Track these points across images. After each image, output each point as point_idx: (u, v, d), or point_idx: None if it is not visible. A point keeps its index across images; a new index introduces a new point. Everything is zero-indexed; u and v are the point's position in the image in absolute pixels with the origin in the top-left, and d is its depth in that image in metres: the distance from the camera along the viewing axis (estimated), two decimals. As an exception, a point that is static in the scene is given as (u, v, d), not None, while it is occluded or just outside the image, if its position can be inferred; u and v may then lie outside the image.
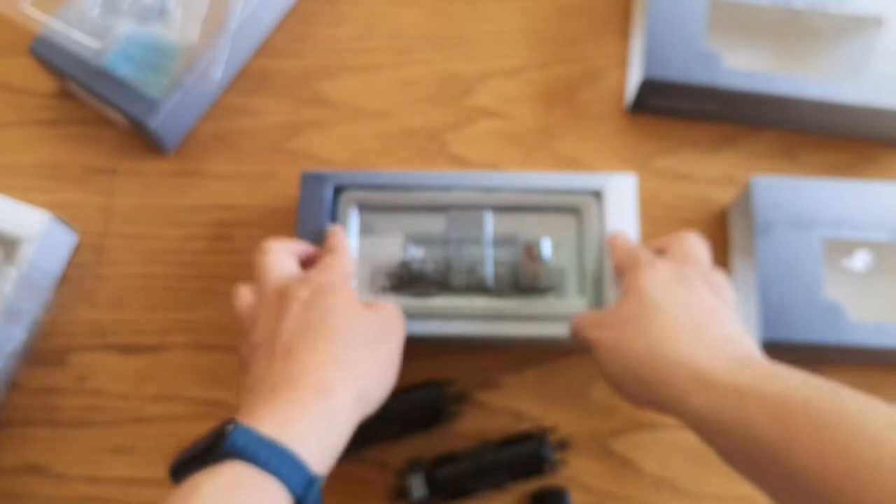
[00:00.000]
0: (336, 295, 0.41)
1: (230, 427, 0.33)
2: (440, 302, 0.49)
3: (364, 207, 0.51)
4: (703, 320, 0.38)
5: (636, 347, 0.38)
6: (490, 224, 0.51)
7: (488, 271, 0.49)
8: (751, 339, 0.39)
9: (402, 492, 0.46)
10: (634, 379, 0.38)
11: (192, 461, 0.33)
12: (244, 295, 0.43)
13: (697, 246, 0.44)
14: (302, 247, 0.46)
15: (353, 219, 0.51)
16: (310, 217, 0.49)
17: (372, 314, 0.42)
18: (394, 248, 0.50)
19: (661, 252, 0.45)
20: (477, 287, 0.49)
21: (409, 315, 0.47)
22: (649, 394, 0.38)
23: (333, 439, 0.36)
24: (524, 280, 0.49)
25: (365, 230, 0.51)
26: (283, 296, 0.41)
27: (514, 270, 0.49)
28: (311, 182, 0.50)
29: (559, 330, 0.47)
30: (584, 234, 0.50)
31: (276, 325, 0.39)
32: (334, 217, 0.50)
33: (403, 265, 0.50)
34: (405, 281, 0.49)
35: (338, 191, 0.51)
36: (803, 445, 0.31)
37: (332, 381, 0.37)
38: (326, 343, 0.39)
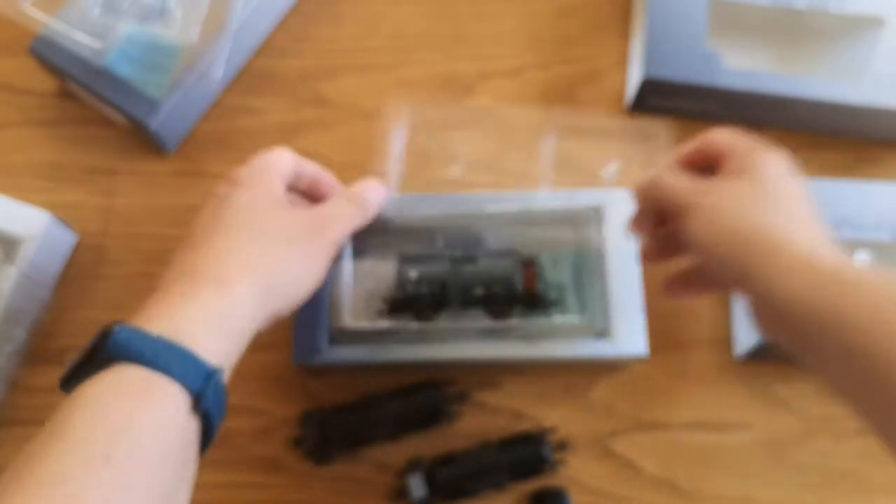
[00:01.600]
0: (254, 189, 0.40)
1: (113, 329, 0.31)
2: (438, 325, 0.48)
3: (357, 230, 0.50)
4: (815, 215, 0.37)
5: (744, 219, 0.36)
6: (487, 241, 0.50)
7: (486, 290, 0.48)
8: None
9: (402, 492, 0.46)
10: (729, 251, 0.36)
11: (79, 370, 0.32)
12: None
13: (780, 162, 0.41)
14: (308, 165, 0.44)
15: (347, 243, 0.50)
16: None
17: (299, 212, 0.40)
18: (389, 270, 0.50)
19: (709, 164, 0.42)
20: (476, 306, 0.48)
21: (407, 339, 0.47)
22: (741, 268, 0.35)
23: (232, 332, 0.35)
24: (522, 297, 0.48)
25: (359, 253, 0.50)
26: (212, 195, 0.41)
27: (512, 288, 0.49)
28: None
29: (561, 349, 0.47)
30: (583, 249, 0.50)
31: (193, 222, 0.39)
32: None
33: (399, 288, 0.49)
34: (401, 304, 0.48)
35: None
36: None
37: (230, 272, 0.36)
38: (231, 235, 0.37)
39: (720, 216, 0.36)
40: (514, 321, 0.48)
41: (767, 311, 0.35)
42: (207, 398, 0.32)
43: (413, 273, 0.49)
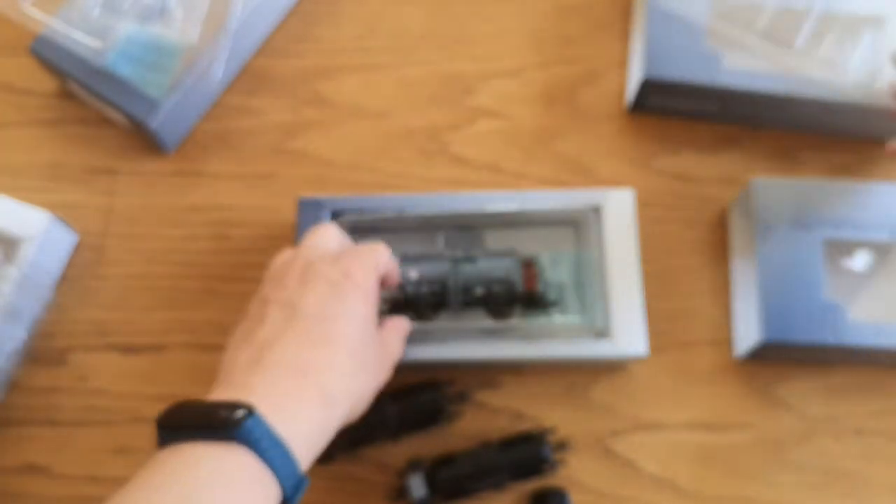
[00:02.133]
0: (363, 298, 0.40)
1: (243, 412, 0.32)
2: (438, 324, 0.48)
3: (358, 231, 0.51)
4: None
5: None
6: (487, 241, 0.50)
7: (486, 290, 0.48)
8: None
9: (402, 492, 0.46)
10: None
11: (194, 427, 0.33)
12: (284, 253, 0.43)
13: None
14: (350, 241, 0.46)
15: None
16: None
17: (379, 340, 0.42)
18: None
19: None
20: (476, 306, 0.48)
21: (408, 339, 0.47)
22: None
23: (320, 446, 0.36)
24: (523, 297, 0.48)
25: None
26: (311, 265, 0.40)
27: (512, 288, 0.48)
28: (307, 208, 0.50)
29: (561, 349, 0.47)
30: (583, 248, 0.50)
31: (299, 295, 0.39)
32: None
33: (399, 288, 0.49)
34: (401, 304, 0.49)
35: (335, 216, 0.50)
36: None
37: (337, 391, 0.37)
38: (341, 347, 0.38)
39: None
40: (514, 321, 0.48)
41: None
42: (294, 503, 0.34)
43: (413, 273, 0.49)
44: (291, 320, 0.38)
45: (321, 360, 0.37)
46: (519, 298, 0.48)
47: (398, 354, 0.44)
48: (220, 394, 0.35)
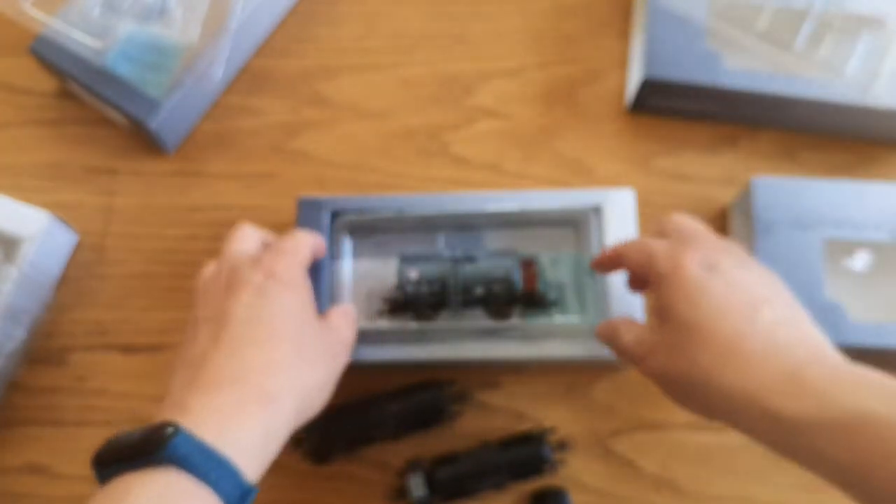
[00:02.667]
0: (291, 292, 0.39)
1: (171, 430, 0.32)
2: (438, 324, 0.48)
3: (357, 231, 0.51)
4: (746, 328, 0.35)
5: (687, 376, 0.35)
6: (486, 241, 0.50)
7: (486, 290, 0.48)
8: (794, 319, 0.36)
9: (402, 492, 0.46)
10: (700, 407, 0.37)
11: (125, 458, 0.32)
12: (207, 268, 0.42)
13: (693, 223, 0.41)
14: (270, 236, 0.45)
15: (346, 244, 0.51)
16: None
17: (324, 328, 0.41)
18: (389, 270, 0.50)
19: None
20: (476, 306, 0.48)
21: (407, 339, 0.47)
22: (721, 419, 0.36)
23: (270, 448, 0.36)
24: (522, 297, 0.48)
25: (359, 254, 0.51)
26: (234, 273, 0.40)
27: (512, 288, 0.48)
28: (307, 208, 0.50)
29: (561, 349, 0.47)
30: (583, 249, 0.50)
31: (225, 306, 0.38)
32: (331, 242, 0.49)
33: (398, 288, 0.49)
34: (401, 304, 0.49)
35: (335, 216, 0.50)
36: (879, 474, 0.29)
37: (278, 386, 0.36)
38: (276, 344, 0.37)
39: (670, 381, 0.37)
40: (514, 321, 0.48)
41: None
42: None
43: (413, 273, 0.49)
44: (220, 332, 0.37)
45: (254, 361, 0.36)
46: (519, 298, 0.48)
47: (350, 338, 0.43)
48: (157, 419, 0.34)
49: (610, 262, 0.43)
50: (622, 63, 0.59)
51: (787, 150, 0.57)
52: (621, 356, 0.41)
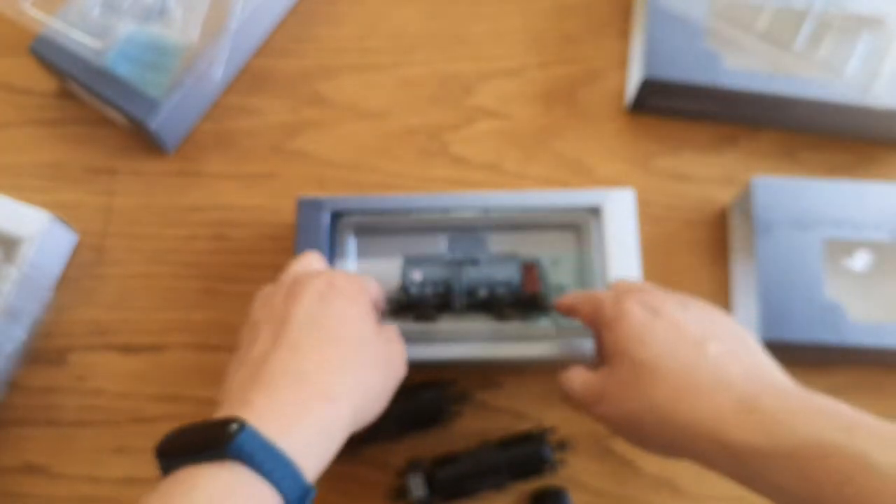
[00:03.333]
0: (352, 302, 0.40)
1: (236, 427, 0.32)
2: (441, 326, 0.48)
3: (361, 232, 0.51)
4: (694, 362, 0.36)
5: (643, 416, 0.36)
6: (489, 244, 0.51)
7: (489, 292, 0.48)
8: (743, 351, 0.37)
9: (402, 492, 0.46)
10: (657, 446, 0.37)
11: (190, 450, 0.32)
12: (265, 287, 0.42)
13: (637, 280, 0.46)
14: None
15: (351, 244, 0.51)
16: (307, 243, 0.49)
17: (383, 337, 0.41)
18: (393, 271, 0.50)
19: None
20: (478, 308, 0.49)
21: (410, 339, 0.47)
22: (680, 455, 0.36)
23: (329, 449, 0.36)
24: (525, 299, 0.48)
25: (363, 254, 0.51)
26: (296, 283, 0.40)
27: (515, 290, 0.49)
28: (307, 208, 0.50)
29: (562, 350, 0.47)
30: (584, 251, 0.50)
31: (286, 310, 0.38)
32: (332, 243, 0.49)
33: (402, 289, 0.49)
34: (404, 305, 0.49)
35: (335, 216, 0.50)
36: (834, 502, 0.30)
37: (338, 387, 0.36)
38: (336, 348, 0.38)
39: (625, 425, 0.38)
40: (517, 324, 0.48)
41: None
42: None
43: (417, 275, 0.49)
44: (282, 333, 0.38)
45: (317, 362, 0.37)
46: (521, 300, 0.48)
47: (402, 366, 0.43)
48: (219, 415, 0.34)
49: (566, 309, 0.45)
50: (622, 63, 0.59)
51: (787, 150, 0.57)
52: (572, 402, 0.41)
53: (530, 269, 0.49)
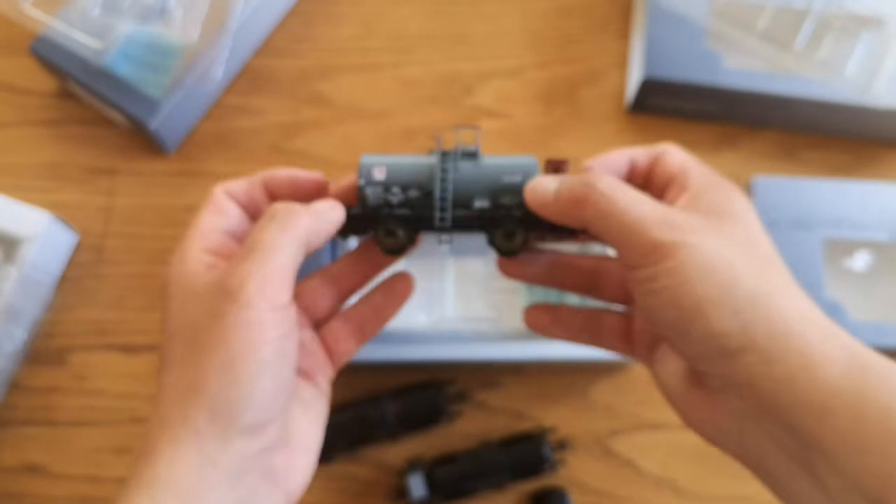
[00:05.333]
0: (170, 270, 0.30)
1: None
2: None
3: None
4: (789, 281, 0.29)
5: (744, 277, 0.26)
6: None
7: (491, 202, 0.33)
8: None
9: (402, 492, 0.46)
10: (729, 315, 0.26)
11: None
12: None
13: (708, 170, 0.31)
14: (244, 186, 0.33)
15: (352, 243, 0.50)
16: None
17: (209, 280, 0.29)
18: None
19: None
20: (472, 229, 0.33)
21: (408, 339, 0.44)
22: (747, 342, 0.26)
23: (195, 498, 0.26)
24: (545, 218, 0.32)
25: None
26: None
27: (520, 200, 0.33)
28: None
29: (562, 349, 0.46)
30: (584, 249, 0.49)
31: None
32: (334, 242, 0.48)
33: (358, 195, 0.33)
34: (359, 220, 0.33)
35: None
36: None
37: (152, 435, 0.27)
38: (162, 351, 0.29)
39: (716, 267, 0.26)
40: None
41: (770, 393, 0.26)
42: None
43: (378, 173, 0.33)
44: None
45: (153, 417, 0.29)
46: (539, 219, 0.32)
47: (254, 254, 0.29)
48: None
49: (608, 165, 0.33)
50: (622, 63, 0.59)
51: (787, 150, 0.57)
52: (621, 228, 0.28)
53: (558, 166, 0.34)
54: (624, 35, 0.60)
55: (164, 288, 0.30)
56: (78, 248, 0.54)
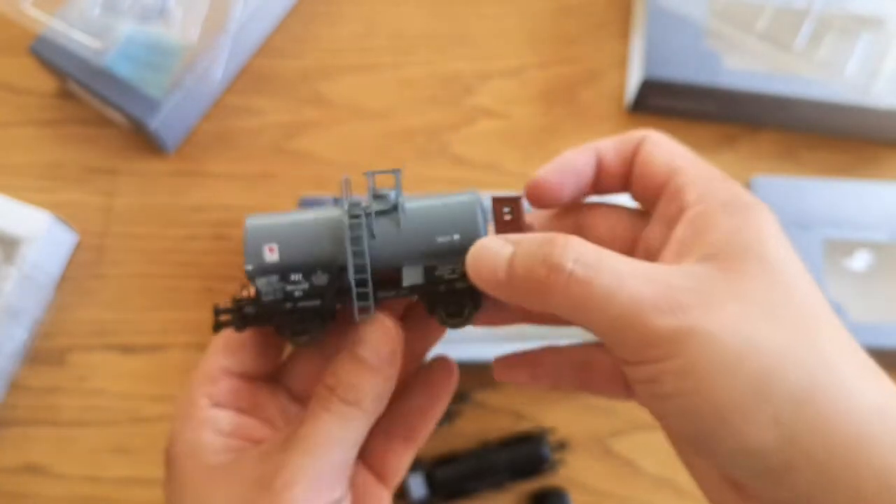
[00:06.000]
0: (178, 438, 0.26)
1: None
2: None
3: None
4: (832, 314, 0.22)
5: (791, 358, 0.19)
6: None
7: (425, 274, 0.27)
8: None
9: (401, 492, 0.46)
10: (767, 424, 0.19)
11: None
12: None
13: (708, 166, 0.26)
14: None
15: None
16: None
17: (241, 468, 0.25)
18: None
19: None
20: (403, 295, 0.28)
21: None
22: (796, 457, 0.19)
23: None
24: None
25: None
26: None
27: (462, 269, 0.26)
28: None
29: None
30: None
31: None
32: None
33: (254, 293, 0.27)
34: (253, 318, 0.27)
35: None
36: None
37: None
38: None
39: (741, 357, 0.19)
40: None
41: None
42: None
43: (270, 252, 0.26)
44: None
45: None
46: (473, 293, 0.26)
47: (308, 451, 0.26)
48: None
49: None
50: (622, 63, 0.59)
51: (787, 150, 0.57)
52: (591, 307, 0.21)
53: (511, 206, 0.27)
54: (624, 35, 0.60)
55: (170, 458, 0.26)
56: (78, 248, 0.54)
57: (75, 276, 0.54)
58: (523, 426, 0.49)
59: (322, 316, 0.26)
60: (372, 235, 0.26)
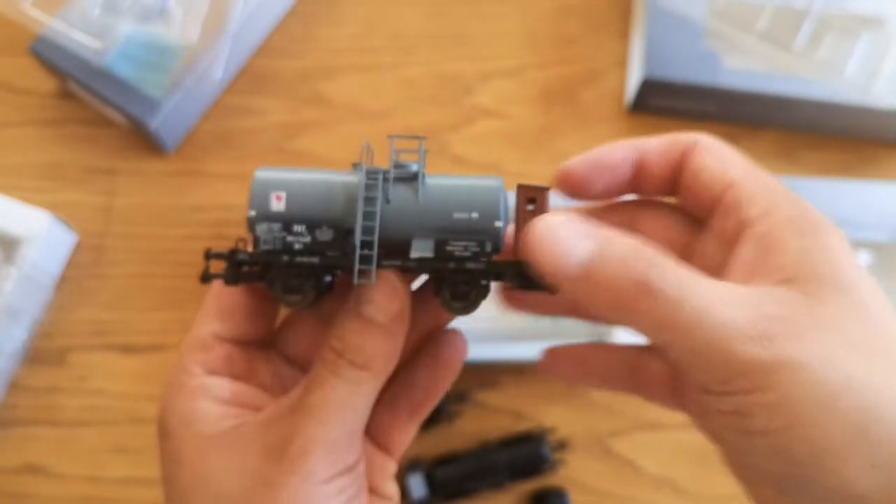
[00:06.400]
0: (171, 405, 0.25)
1: None
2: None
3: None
4: None
5: (887, 394, 0.18)
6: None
7: (436, 247, 0.25)
8: None
9: (401, 492, 0.46)
10: (866, 469, 0.18)
11: None
12: None
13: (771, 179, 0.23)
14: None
15: None
16: None
17: (247, 433, 0.25)
18: None
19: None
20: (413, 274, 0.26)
21: None
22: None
23: None
24: (510, 268, 0.25)
25: None
26: None
27: (493, 245, 0.26)
28: None
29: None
30: None
31: None
32: None
33: (249, 228, 0.26)
34: (250, 265, 0.27)
35: None
36: None
37: None
38: None
39: (839, 394, 0.18)
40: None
41: None
42: None
43: (277, 201, 0.26)
44: None
45: None
46: (502, 269, 0.25)
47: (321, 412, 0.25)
48: None
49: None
50: (622, 63, 0.59)
51: (787, 150, 0.57)
52: (673, 333, 0.20)
53: (535, 196, 0.26)
54: (624, 35, 0.60)
55: (164, 429, 0.25)
56: (78, 248, 0.54)
57: (75, 276, 0.54)
58: (523, 426, 0.49)
59: (317, 276, 0.25)
60: (387, 200, 0.25)
